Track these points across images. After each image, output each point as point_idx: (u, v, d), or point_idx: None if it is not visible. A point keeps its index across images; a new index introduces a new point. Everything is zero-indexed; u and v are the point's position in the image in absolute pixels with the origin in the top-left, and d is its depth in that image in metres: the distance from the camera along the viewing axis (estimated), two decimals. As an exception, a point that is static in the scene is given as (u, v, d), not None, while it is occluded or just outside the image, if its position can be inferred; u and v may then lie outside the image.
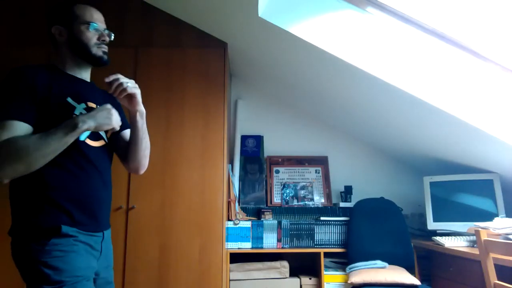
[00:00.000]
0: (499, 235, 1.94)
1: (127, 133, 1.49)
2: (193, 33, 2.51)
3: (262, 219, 2.73)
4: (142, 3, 2.51)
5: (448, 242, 2.21)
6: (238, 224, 2.63)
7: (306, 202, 2.93)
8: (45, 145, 1.13)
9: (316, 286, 2.58)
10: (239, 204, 2.83)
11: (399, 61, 2.02)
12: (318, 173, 3.06)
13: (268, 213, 2.77)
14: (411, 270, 2.48)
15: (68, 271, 1.15)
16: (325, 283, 2.55)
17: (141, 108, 1.37)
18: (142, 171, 1.49)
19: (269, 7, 2.05)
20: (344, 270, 2.55)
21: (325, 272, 2.57)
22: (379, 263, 2.45)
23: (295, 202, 2.94)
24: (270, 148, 3.12)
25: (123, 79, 1.28)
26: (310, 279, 2.59)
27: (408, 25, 2.03)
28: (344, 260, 2.63)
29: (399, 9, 2.01)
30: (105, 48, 1.37)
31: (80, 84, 1.35)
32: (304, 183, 3.00)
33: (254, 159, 3.05)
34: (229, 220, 2.63)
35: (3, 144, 1.11)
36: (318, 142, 3.16)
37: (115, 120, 1.25)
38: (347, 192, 2.93)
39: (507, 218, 2.12)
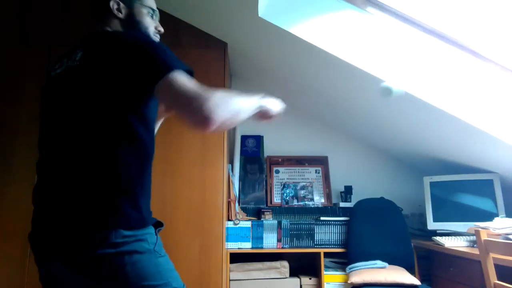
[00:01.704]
0: (499, 235, 1.94)
1: None
2: (193, 33, 2.50)
3: (262, 219, 2.73)
4: (142, 3, 2.51)
5: (448, 242, 2.21)
6: (238, 224, 2.63)
7: (306, 202, 2.93)
8: (248, 104, 1.11)
9: (316, 286, 2.58)
10: (239, 204, 2.83)
11: (399, 61, 2.02)
12: (318, 173, 3.06)
13: (268, 213, 2.77)
14: (411, 270, 2.48)
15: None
16: (325, 283, 2.55)
17: None
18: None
19: (269, 7, 2.05)
20: (344, 270, 2.55)
21: (325, 272, 2.57)
22: (379, 263, 2.45)
23: (295, 202, 2.94)
24: (270, 148, 3.12)
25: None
26: (310, 279, 2.59)
27: (408, 25, 2.03)
28: (344, 260, 2.63)
29: (399, 9, 2.01)
30: (159, 39, 1.29)
31: None
32: (304, 183, 3.00)
33: (254, 159, 3.05)
34: (229, 220, 2.63)
35: (214, 90, 1.02)
36: (318, 142, 3.16)
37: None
38: (347, 192, 2.93)
39: (507, 218, 2.12)
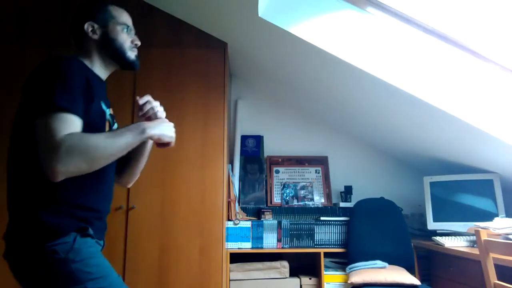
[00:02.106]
0: (499, 235, 1.94)
1: None
2: (193, 33, 2.51)
3: (262, 219, 2.73)
4: (142, 3, 2.51)
5: (448, 242, 2.21)
6: (238, 224, 2.63)
7: (306, 202, 2.93)
8: (113, 145, 1.08)
9: (316, 286, 2.58)
10: (239, 204, 2.83)
11: (399, 61, 2.02)
12: (318, 173, 3.06)
13: (268, 213, 2.77)
14: (411, 270, 2.48)
15: (104, 266, 1.13)
16: (325, 283, 2.55)
17: None
18: (130, 185, 1.48)
19: (269, 7, 2.05)
20: (344, 270, 2.55)
21: (325, 272, 2.57)
22: (379, 263, 2.45)
23: (295, 202, 2.94)
24: (270, 148, 3.12)
25: (154, 102, 1.28)
26: (310, 279, 2.59)
27: (409, 25, 2.03)
28: (344, 260, 2.63)
29: (400, 9, 2.01)
30: (136, 52, 1.35)
31: (103, 86, 1.32)
32: (304, 183, 3.00)
33: (254, 159, 3.05)
34: (229, 220, 2.63)
35: (70, 138, 1.01)
36: (318, 142, 3.16)
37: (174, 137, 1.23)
38: (347, 192, 2.93)
39: (507, 218, 2.12)
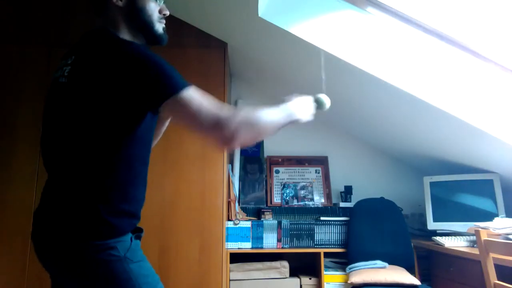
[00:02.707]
0: (499, 235, 1.94)
1: None
2: (193, 33, 2.51)
3: (262, 219, 2.73)
4: (142, 3, 2.51)
5: (448, 242, 2.21)
6: (238, 224, 2.63)
7: (306, 202, 2.93)
8: (273, 122, 1.08)
9: (316, 286, 2.58)
10: (239, 204, 2.82)
11: (399, 61, 2.02)
12: (318, 173, 3.06)
13: (268, 213, 2.77)
14: (411, 270, 2.48)
15: (153, 270, 1.09)
16: (325, 283, 2.55)
17: None
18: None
19: (269, 7, 2.04)
20: (344, 270, 2.55)
21: (325, 272, 2.57)
22: (379, 263, 2.45)
23: (295, 202, 2.94)
24: (270, 148, 3.12)
25: None
26: (310, 279, 2.59)
27: (408, 25, 2.03)
28: (344, 260, 2.63)
29: (399, 9, 2.01)
30: (164, 24, 1.19)
31: None
32: (304, 183, 3.00)
33: (254, 159, 3.05)
34: (229, 220, 2.63)
35: (237, 109, 1.00)
36: (318, 142, 3.16)
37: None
38: (347, 192, 2.93)
39: (507, 218, 2.12)
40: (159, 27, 1.17)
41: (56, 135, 1.07)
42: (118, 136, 1.03)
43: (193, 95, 0.98)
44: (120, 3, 1.11)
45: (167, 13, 1.18)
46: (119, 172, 1.05)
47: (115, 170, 1.05)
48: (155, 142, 1.34)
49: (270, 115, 1.08)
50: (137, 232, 1.12)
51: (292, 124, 1.19)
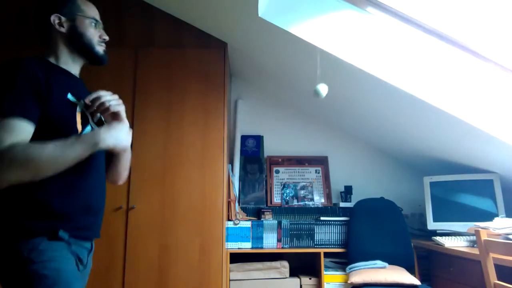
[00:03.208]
0: (499, 235, 1.94)
1: None
2: (193, 33, 2.51)
3: (262, 219, 2.73)
4: (142, 3, 2.51)
5: (448, 242, 2.21)
6: (238, 224, 2.63)
7: (306, 202, 2.93)
8: (60, 158, 1.05)
9: (316, 286, 2.58)
10: (239, 204, 2.83)
11: (399, 61, 2.02)
12: (318, 173, 3.06)
13: (268, 213, 2.77)
14: (411, 270, 2.48)
15: (64, 273, 1.07)
16: (325, 283, 2.55)
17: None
18: (121, 182, 1.41)
19: (269, 7, 2.04)
20: (344, 270, 2.55)
21: (325, 272, 2.57)
22: (379, 263, 2.45)
23: (295, 202, 2.94)
24: (270, 148, 3.12)
25: (105, 97, 1.19)
26: (310, 279, 2.59)
27: (408, 25, 2.03)
28: (344, 260, 2.63)
29: (399, 9, 2.01)
30: (104, 47, 1.32)
31: (73, 79, 1.27)
32: (304, 183, 3.00)
33: (254, 159, 3.05)
34: (229, 220, 2.63)
35: (8, 149, 1.01)
36: (318, 142, 3.16)
37: (130, 141, 1.16)
38: (347, 192, 2.93)
39: (507, 218, 2.12)
40: (99, 49, 1.30)
41: None
42: None
43: None
44: (62, 29, 1.23)
45: (106, 38, 1.32)
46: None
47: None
48: (124, 161, 1.35)
49: (52, 150, 1.05)
50: (53, 234, 1.11)
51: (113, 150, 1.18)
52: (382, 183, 3.07)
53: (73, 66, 1.29)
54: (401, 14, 2.02)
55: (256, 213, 2.87)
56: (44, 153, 1.04)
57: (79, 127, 1.17)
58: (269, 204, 2.94)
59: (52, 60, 1.25)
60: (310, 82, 2.66)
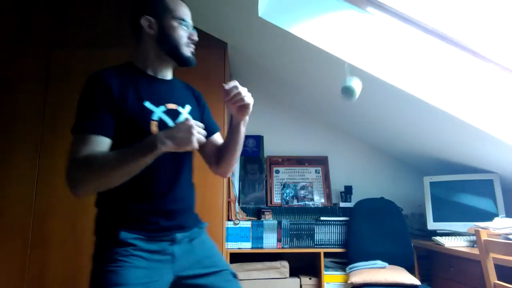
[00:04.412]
0: (499, 235, 1.94)
1: (216, 138, 1.43)
2: (193, 33, 2.50)
3: (262, 219, 2.73)
4: (142, 3, 2.51)
5: (448, 242, 2.21)
6: (238, 224, 2.63)
7: (306, 202, 2.93)
8: (122, 166, 1.07)
9: (316, 286, 2.58)
10: (239, 204, 2.83)
11: (399, 61, 2.02)
12: (318, 173, 3.06)
13: (268, 213, 2.77)
14: (411, 270, 2.48)
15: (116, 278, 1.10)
16: (325, 283, 2.55)
17: (247, 117, 1.29)
18: (229, 175, 1.45)
19: (269, 7, 2.05)
20: (344, 270, 2.55)
21: (325, 272, 2.57)
22: (379, 263, 2.45)
23: (295, 202, 2.94)
24: (270, 148, 3.12)
25: (241, 88, 1.19)
26: (310, 279, 2.59)
27: (408, 25, 2.03)
28: (344, 260, 2.63)
29: (399, 9, 2.01)
30: (193, 48, 1.30)
31: (159, 84, 1.27)
32: (304, 183, 3.00)
33: (254, 159, 3.05)
34: (229, 220, 2.63)
35: (83, 160, 1.08)
36: (318, 142, 3.16)
37: (196, 139, 1.10)
38: (347, 192, 2.93)
39: (507, 218, 2.12)
40: (187, 51, 1.27)
41: None
42: None
43: (74, 140, 1.14)
44: (152, 32, 1.24)
45: (196, 39, 1.29)
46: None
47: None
48: (237, 150, 1.36)
49: (116, 159, 1.08)
50: (113, 236, 1.16)
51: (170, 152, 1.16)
52: (382, 183, 3.07)
53: (160, 69, 1.29)
54: (401, 14, 2.02)
55: (256, 213, 2.87)
56: (108, 160, 1.08)
57: (154, 130, 1.18)
58: (269, 204, 2.94)
59: (139, 64, 1.27)
60: (310, 82, 2.66)
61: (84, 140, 1.10)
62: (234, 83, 1.19)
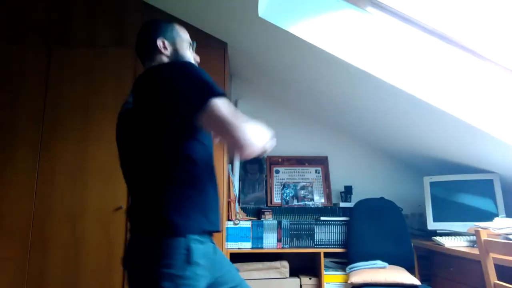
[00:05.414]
0: (499, 235, 1.94)
1: None
2: (193, 33, 2.50)
3: (262, 219, 2.73)
4: (142, 3, 2.51)
5: (448, 242, 2.21)
6: (238, 224, 2.63)
7: (306, 202, 2.93)
8: (266, 134, 1.13)
9: (316, 286, 2.58)
10: (239, 204, 2.82)
11: (399, 61, 2.02)
12: (318, 173, 3.06)
13: (268, 213, 2.77)
14: (411, 270, 2.48)
15: None
16: (325, 283, 2.55)
17: None
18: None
19: (269, 7, 2.05)
20: (344, 270, 2.55)
21: (325, 272, 2.57)
22: (379, 263, 2.45)
23: (295, 202, 2.94)
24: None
25: None
26: (310, 279, 2.59)
27: (408, 25, 2.03)
28: (344, 260, 2.63)
29: (399, 9, 2.01)
30: (198, 59, 1.44)
31: None
32: (304, 183, 3.00)
33: (254, 159, 3.05)
34: (229, 220, 2.63)
35: (249, 121, 1.08)
36: (318, 142, 3.16)
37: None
38: (347, 192, 2.93)
39: (507, 218, 2.12)
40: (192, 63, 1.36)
41: (132, 164, 1.24)
42: (182, 149, 1.17)
43: (219, 102, 1.09)
44: (166, 52, 1.34)
45: (198, 60, 1.43)
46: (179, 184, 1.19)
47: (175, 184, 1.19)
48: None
49: (263, 130, 1.14)
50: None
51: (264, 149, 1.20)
52: (382, 183, 3.07)
53: None
54: (401, 14, 2.02)
55: (256, 213, 2.87)
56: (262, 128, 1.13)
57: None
58: (269, 204, 2.94)
59: None
60: (310, 82, 2.66)
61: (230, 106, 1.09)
62: None
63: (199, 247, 1.11)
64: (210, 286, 1.18)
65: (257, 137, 1.08)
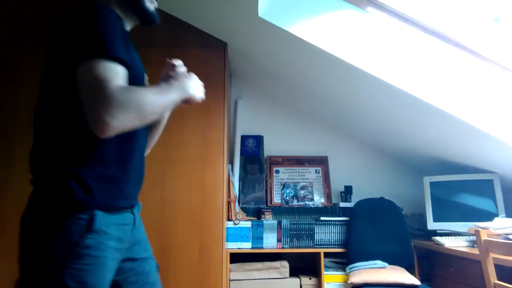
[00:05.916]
0: (499, 235, 1.94)
1: None
2: (193, 33, 2.50)
3: (262, 219, 2.73)
4: (142, 3, 2.51)
5: (448, 242, 2.21)
6: (238, 224, 2.63)
7: (306, 202, 2.93)
8: (161, 102, 1.02)
9: (316, 286, 2.58)
10: (239, 204, 2.82)
11: (399, 61, 2.02)
12: (318, 173, 3.06)
13: (268, 213, 2.77)
14: (411, 270, 2.48)
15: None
16: (325, 283, 2.55)
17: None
18: (147, 152, 1.34)
19: (269, 7, 2.04)
20: (344, 270, 2.55)
21: (325, 272, 2.57)
22: (379, 263, 2.45)
23: (295, 202, 2.94)
24: (270, 148, 3.12)
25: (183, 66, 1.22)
26: (310, 279, 2.59)
27: (408, 25, 2.03)
28: (344, 260, 2.63)
29: (399, 9, 2.01)
30: (156, 4, 1.25)
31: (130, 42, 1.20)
32: (304, 183, 3.00)
33: (254, 159, 3.05)
34: (229, 220, 2.63)
35: (123, 91, 0.92)
36: (318, 142, 3.16)
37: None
38: (347, 192, 2.93)
39: (507, 218, 2.12)
40: (150, 5, 1.22)
41: (37, 107, 1.14)
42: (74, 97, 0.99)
43: (100, 64, 0.95)
44: None
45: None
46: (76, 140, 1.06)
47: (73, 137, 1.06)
48: (147, 151, 1.34)
49: (155, 94, 1.02)
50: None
51: (187, 103, 1.18)
52: (382, 183, 3.07)
53: (127, 26, 1.22)
54: (401, 14, 2.02)
55: (256, 213, 2.87)
56: (150, 95, 0.99)
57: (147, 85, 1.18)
58: (269, 204, 2.94)
59: None
60: (310, 82, 2.66)
61: (114, 70, 0.94)
62: (178, 60, 1.23)
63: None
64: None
65: (129, 117, 0.92)
